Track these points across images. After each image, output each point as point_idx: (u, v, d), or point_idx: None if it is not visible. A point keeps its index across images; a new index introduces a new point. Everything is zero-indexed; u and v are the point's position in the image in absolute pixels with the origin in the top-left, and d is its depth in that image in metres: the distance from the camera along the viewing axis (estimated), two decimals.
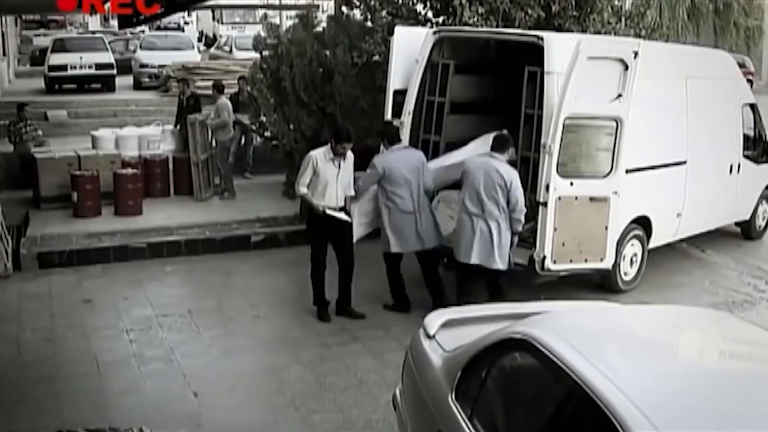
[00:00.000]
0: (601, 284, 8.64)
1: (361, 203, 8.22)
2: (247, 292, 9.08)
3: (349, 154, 7.90)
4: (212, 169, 13.08)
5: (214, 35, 35.61)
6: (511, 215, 7.41)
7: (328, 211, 7.76)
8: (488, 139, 7.96)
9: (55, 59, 22.08)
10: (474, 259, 7.45)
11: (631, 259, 8.88)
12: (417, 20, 11.21)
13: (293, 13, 15.18)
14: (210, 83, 19.98)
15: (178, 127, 14.27)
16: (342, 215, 7.84)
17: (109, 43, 24.57)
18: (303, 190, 7.82)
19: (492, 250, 7.40)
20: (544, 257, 7.57)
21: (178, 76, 20.73)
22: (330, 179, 7.74)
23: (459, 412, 4.04)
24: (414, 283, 8.76)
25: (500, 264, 7.45)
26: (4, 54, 23.63)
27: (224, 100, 12.97)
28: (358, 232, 8.26)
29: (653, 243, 9.16)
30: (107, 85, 22.34)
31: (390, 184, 7.91)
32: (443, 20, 11.09)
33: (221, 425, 6.06)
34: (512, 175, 7.38)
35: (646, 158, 8.62)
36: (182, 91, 14.76)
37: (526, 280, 7.89)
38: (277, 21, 19.01)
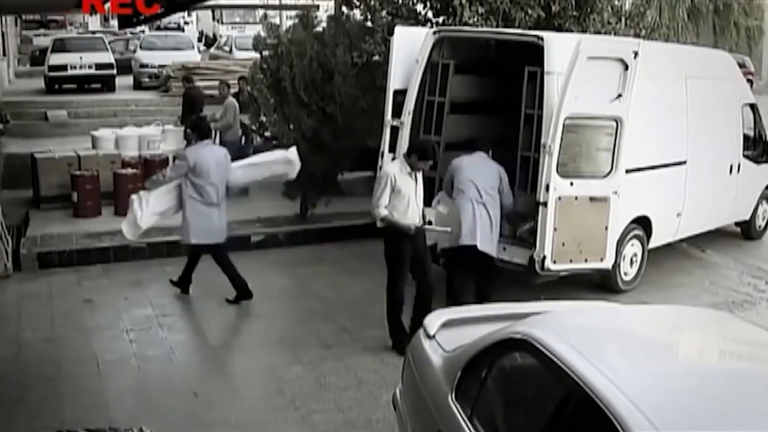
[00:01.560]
0: (601, 284, 8.64)
1: (158, 193, 8.35)
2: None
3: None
4: None
5: (214, 35, 35.64)
6: (505, 201, 7.89)
7: (428, 227, 7.26)
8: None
9: (55, 59, 22.11)
10: (478, 242, 7.64)
11: (631, 259, 8.88)
12: (417, 20, 11.20)
13: (293, 13, 15.17)
14: (210, 83, 20.13)
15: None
16: (440, 228, 7.40)
17: (109, 43, 24.59)
18: (383, 212, 7.10)
19: (491, 236, 7.74)
20: (544, 257, 7.58)
21: (179, 75, 20.78)
22: (410, 195, 7.15)
23: (459, 412, 4.04)
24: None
25: (495, 251, 7.81)
26: (4, 54, 23.64)
27: (232, 101, 13.04)
28: (150, 221, 8.36)
29: (653, 243, 9.16)
30: (107, 85, 22.37)
31: (198, 177, 8.20)
32: (443, 20, 11.09)
33: (221, 425, 6.06)
34: (501, 167, 7.91)
35: (646, 158, 8.62)
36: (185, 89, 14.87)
37: (526, 280, 7.89)
38: (277, 21, 19.03)
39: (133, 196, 8.47)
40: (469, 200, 7.71)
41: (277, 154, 9.20)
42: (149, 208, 8.29)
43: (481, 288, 7.88)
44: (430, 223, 7.37)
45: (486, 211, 7.72)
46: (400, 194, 7.10)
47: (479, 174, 7.77)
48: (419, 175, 7.27)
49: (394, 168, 7.25)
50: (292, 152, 9.09)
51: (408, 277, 7.36)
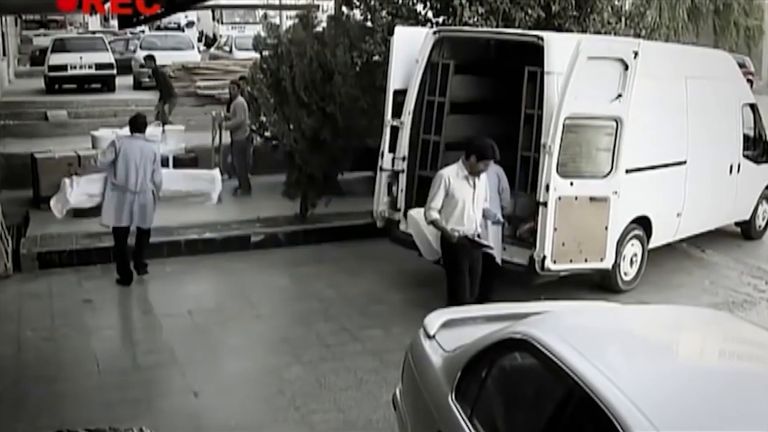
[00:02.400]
0: (601, 284, 8.64)
1: (89, 178, 9.12)
2: (247, 292, 9.08)
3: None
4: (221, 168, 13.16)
5: (214, 35, 35.62)
6: (504, 201, 7.96)
7: (461, 232, 6.97)
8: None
9: (55, 59, 22.08)
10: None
11: (631, 259, 8.88)
12: (417, 20, 11.20)
13: (293, 13, 15.18)
14: (210, 83, 20.14)
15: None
16: (484, 241, 7.20)
17: (109, 43, 24.58)
18: (434, 215, 6.98)
19: (489, 236, 7.67)
20: (544, 257, 7.57)
21: (179, 75, 20.79)
22: (466, 200, 6.95)
23: (459, 412, 4.04)
24: (415, 282, 8.77)
25: (499, 252, 7.74)
26: (4, 54, 23.63)
27: (241, 100, 13.10)
28: (79, 199, 9.11)
29: (653, 243, 9.15)
30: (107, 85, 22.34)
31: (122, 163, 8.82)
32: (443, 20, 11.09)
33: (221, 425, 6.06)
34: (499, 168, 7.82)
35: (646, 158, 8.62)
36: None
37: (526, 280, 7.89)
38: (277, 21, 19.02)
39: (65, 179, 9.10)
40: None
41: (203, 171, 10.42)
42: (79, 188, 8.95)
43: (481, 288, 7.85)
44: (478, 236, 7.15)
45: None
46: (453, 199, 6.91)
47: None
48: (478, 181, 7.01)
49: (449, 171, 7.03)
50: (216, 172, 10.14)
51: (466, 282, 7.17)
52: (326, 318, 8.15)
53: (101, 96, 21.41)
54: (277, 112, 11.48)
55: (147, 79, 22.94)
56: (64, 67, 21.92)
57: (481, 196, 7.09)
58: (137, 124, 9.21)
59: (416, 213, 8.07)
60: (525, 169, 8.13)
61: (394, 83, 8.86)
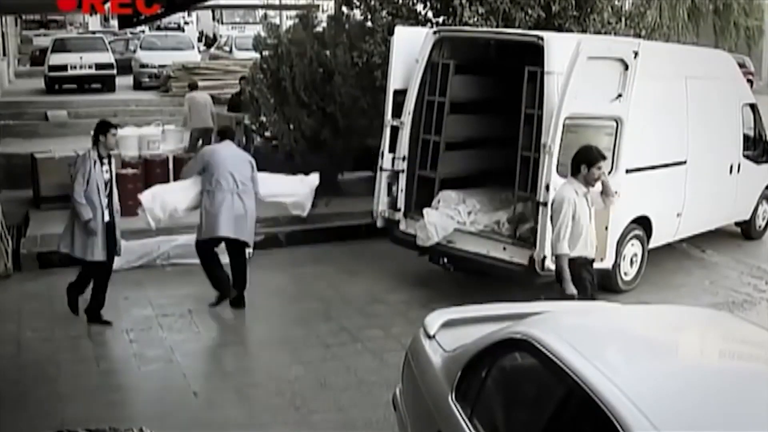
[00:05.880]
0: (601, 284, 8.62)
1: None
2: (247, 292, 9.06)
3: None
4: None
5: (214, 35, 35.63)
6: (256, 189, 8.33)
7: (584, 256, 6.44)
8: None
9: (55, 59, 22.11)
10: (232, 232, 8.11)
11: (631, 259, 8.87)
12: (417, 20, 11.21)
13: (293, 13, 15.21)
14: (210, 83, 20.18)
15: None
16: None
17: (109, 43, 24.61)
18: (566, 248, 6.33)
19: (246, 225, 8.24)
20: (544, 257, 7.57)
21: (179, 76, 20.80)
22: (587, 223, 6.41)
23: (459, 412, 4.04)
24: (415, 282, 8.77)
25: (252, 239, 8.47)
26: (4, 54, 23.64)
27: (193, 95, 13.14)
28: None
29: (653, 243, 9.15)
30: (107, 85, 22.36)
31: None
32: (443, 20, 11.10)
33: (221, 425, 6.06)
34: (251, 157, 8.51)
35: (646, 158, 8.62)
36: None
37: (526, 280, 7.88)
38: (277, 21, 19.04)
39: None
40: (229, 192, 8.01)
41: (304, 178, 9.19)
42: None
43: (238, 272, 8.35)
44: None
45: (241, 201, 8.03)
46: (579, 224, 6.36)
47: (236, 165, 8.09)
48: (590, 197, 6.46)
49: (569, 191, 6.39)
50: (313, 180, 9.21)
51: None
52: (326, 318, 8.15)
53: (101, 96, 21.42)
54: (277, 112, 11.50)
55: (147, 79, 23.01)
56: (64, 67, 21.95)
57: (593, 213, 6.52)
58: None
59: None
60: (525, 169, 8.12)
61: (394, 83, 8.87)
